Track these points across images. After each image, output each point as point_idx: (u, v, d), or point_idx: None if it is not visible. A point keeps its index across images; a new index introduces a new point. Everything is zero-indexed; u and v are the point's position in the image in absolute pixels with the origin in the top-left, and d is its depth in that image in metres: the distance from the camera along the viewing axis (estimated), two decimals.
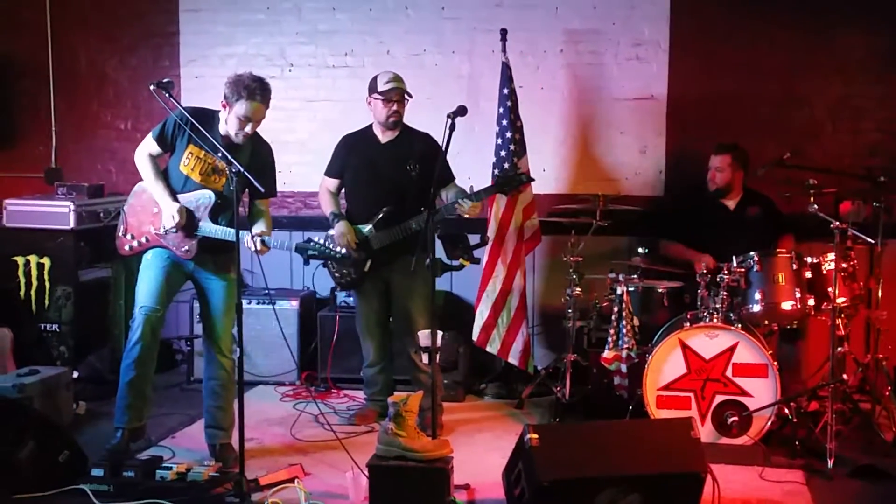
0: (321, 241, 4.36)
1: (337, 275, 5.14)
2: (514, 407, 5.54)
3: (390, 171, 4.99)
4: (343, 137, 5.21)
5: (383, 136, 5.08)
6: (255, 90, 4.31)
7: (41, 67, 6.57)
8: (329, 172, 5.21)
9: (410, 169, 4.97)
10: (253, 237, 4.31)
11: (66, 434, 4.46)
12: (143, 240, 4.51)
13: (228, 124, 4.38)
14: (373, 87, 5.03)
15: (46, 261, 5.86)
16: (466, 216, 4.85)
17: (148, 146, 4.51)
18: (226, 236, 4.35)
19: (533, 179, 5.07)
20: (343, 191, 5.22)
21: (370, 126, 5.14)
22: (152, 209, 4.48)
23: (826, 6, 5.78)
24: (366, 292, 5.17)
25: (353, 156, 5.13)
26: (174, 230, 4.39)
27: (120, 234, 4.59)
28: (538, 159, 5.80)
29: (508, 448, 3.99)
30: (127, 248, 4.56)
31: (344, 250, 4.37)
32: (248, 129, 4.36)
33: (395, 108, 4.97)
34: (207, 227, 4.40)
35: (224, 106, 4.36)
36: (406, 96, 5.01)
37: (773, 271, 4.87)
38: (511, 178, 4.92)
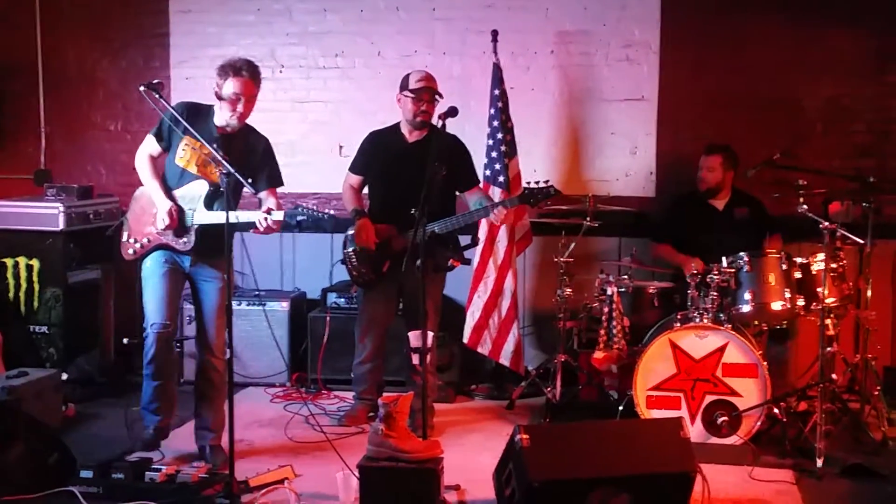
0: (310, 207, 4.31)
1: (355, 273, 5.13)
2: (504, 408, 5.55)
3: (415, 172, 4.81)
4: (370, 134, 5.20)
5: (410, 136, 5.08)
6: (240, 67, 4.35)
7: (30, 68, 6.55)
8: (353, 169, 5.20)
9: (428, 170, 4.93)
10: (264, 217, 4.29)
11: (55, 436, 4.45)
12: (145, 241, 4.52)
13: (222, 111, 4.40)
14: (404, 85, 5.03)
15: (35, 262, 5.83)
16: (500, 223, 4.94)
17: (148, 146, 4.54)
18: (221, 219, 4.32)
19: (560, 193, 4.99)
20: (367, 188, 5.22)
21: (398, 124, 5.13)
22: (151, 210, 4.49)
23: (816, 7, 5.80)
24: (377, 292, 5.15)
25: (378, 153, 5.12)
26: (168, 232, 4.41)
27: (123, 239, 4.60)
28: (529, 160, 5.81)
29: (499, 449, 3.99)
30: (130, 251, 4.57)
31: (332, 212, 4.35)
32: (240, 107, 4.37)
33: (424, 107, 4.97)
34: (202, 216, 4.39)
35: (217, 94, 4.38)
36: (437, 97, 5.01)
37: (763, 272, 4.88)
38: (540, 190, 4.83)
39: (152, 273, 4.51)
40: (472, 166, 5.15)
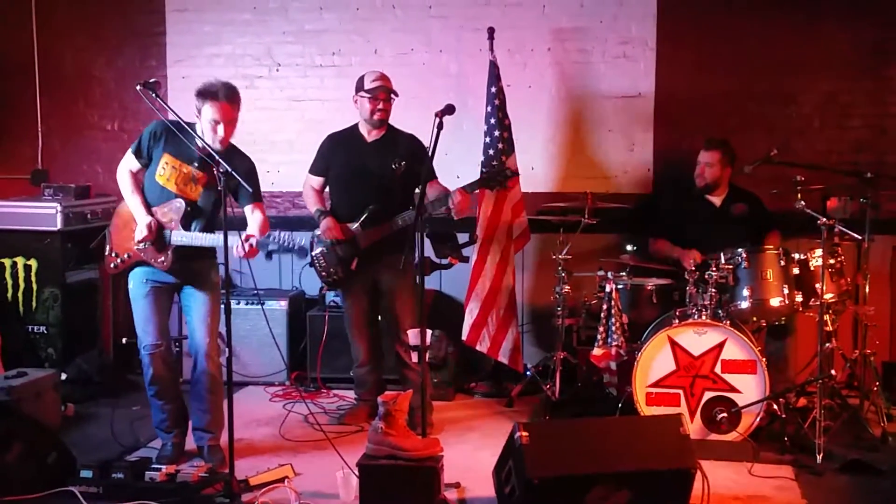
0: (280, 235, 4.32)
1: (323, 273, 5.14)
2: (504, 405, 5.55)
3: (376, 170, 5.02)
4: (328, 136, 5.23)
5: (369, 135, 5.11)
6: (217, 91, 4.33)
7: (27, 67, 6.53)
8: (313, 170, 5.22)
9: (396, 168, 4.99)
10: (242, 243, 4.27)
11: (54, 436, 4.45)
12: (126, 256, 4.52)
13: (204, 134, 4.39)
14: (359, 86, 5.07)
15: (33, 262, 5.83)
16: (455, 215, 4.87)
17: (128, 162, 4.54)
18: (198, 242, 4.38)
19: (517, 174, 5.07)
20: (328, 189, 5.23)
21: (356, 125, 5.16)
22: (132, 225, 4.48)
23: (813, 2, 5.80)
24: (354, 291, 5.17)
25: (338, 154, 5.15)
26: (145, 244, 4.41)
27: (107, 253, 4.60)
28: (526, 157, 5.81)
29: (498, 446, 3.99)
30: (112, 265, 4.58)
31: (304, 241, 4.37)
32: (220, 132, 4.35)
33: (381, 105, 5.01)
34: (179, 236, 4.40)
35: (198, 117, 4.38)
36: (392, 95, 5.03)
37: (761, 268, 4.88)
38: (496, 173, 4.97)
39: (135, 295, 4.54)
40: (430, 160, 5.15)
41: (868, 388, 5.01)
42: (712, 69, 5.89)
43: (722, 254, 4.93)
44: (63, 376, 5.46)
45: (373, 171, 5.02)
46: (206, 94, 4.33)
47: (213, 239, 4.33)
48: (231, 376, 4.14)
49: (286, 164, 6.19)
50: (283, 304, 5.95)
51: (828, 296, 4.75)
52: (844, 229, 4.90)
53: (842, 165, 5.59)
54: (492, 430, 5.01)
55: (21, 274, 5.83)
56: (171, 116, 4.30)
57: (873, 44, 5.77)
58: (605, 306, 5.03)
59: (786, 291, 4.84)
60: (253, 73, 6.27)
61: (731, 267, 4.88)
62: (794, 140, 5.81)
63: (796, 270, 4.90)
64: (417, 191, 5.03)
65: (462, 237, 5.12)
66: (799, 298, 4.86)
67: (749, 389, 4.68)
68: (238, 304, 5.77)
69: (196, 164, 4.38)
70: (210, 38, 6.34)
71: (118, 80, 6.51)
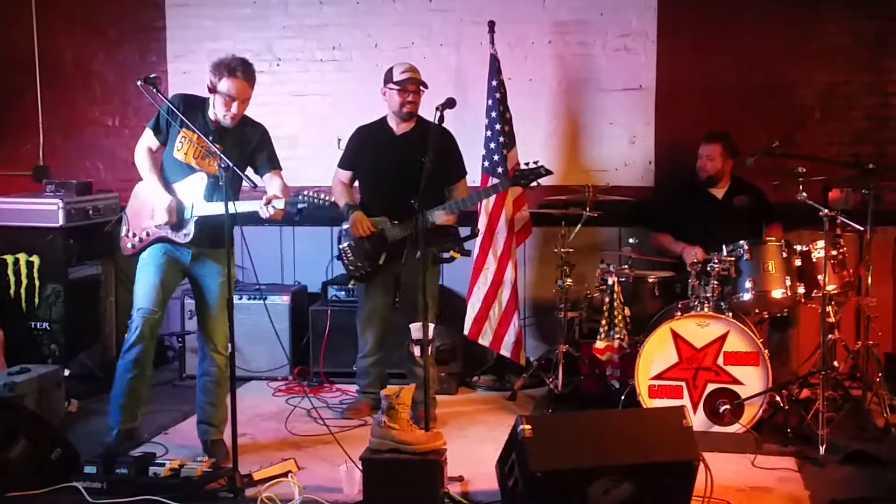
0: (310, 194, 4.26)
1: (351, 267, 5.12)
2: (506, 399, 5.55)
3: (405, 163, 4.90)
4: (357, 129, 5.20)
5: (398, 128, 5.08)
6: (236, 68, 4.31)
7: (27, 64, 6.53)
8: (342, 164, 5.20)
9: (426, 161, 4.96)
10: (266, 205, 4.26)
11: (57, 432, 4.45)
12: (144, 234, 4.51)
13: (216, 108, 4.37)
14: (388, 78, 5.03)
15: (36, 259, 5.83)
16: (443, 222, 4.87)
17: (146, 140, 4.52)
18: (218, 211, 4.29)
19: (551, 172, 5.00)
20: (357, 182, 5.22)
21: (385, 118, 5.13)
22: (149, 204, 4.48)
23: None
24: (376, 285, 5.15)
25: (366, 148, 5.12)
26: (167, 226, 4.40)
27: (122, 234, 4.59)
28: (527, 151, 5.79)
29: (502, 439, 3.99)
30: (129, 245, 4.56)
31: (332, 198, 4.33)
32: (234, 108, 4.34)
33: (410, 98, 4.98)
34: (201, 208, 4.38)
35: (210, 90, 4.36)
36: (421, 87, 5.01)
37: (763, 260, 4.88)
38: (531, 171, 4.87)
39: (148, 263, 4.49)
40: (460, 156, 5.14)
41: (871, 380, 5.02)
42: (713, 61, 5.89)
43: (724, 246, 4.93)
44: (66, 372, 5.46)
45: (401, 165, 4.93)
46: (224, 68, 4.29)
47: (233, 206, 4.17)
48: (234, 371, 4.15)
49: (288, 160, 6.09)
50: (285, 299, 5.95)
51: (830, 287, 4.75)
52: (846, 220, 4.89)
53: (843, 157, 5.60)
54: (495, 424, 5.02)
55: (23, 270, 5.83)
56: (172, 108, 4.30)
57: (874, 35, 5.77)
58: (607, 299, 5.03)
59: (788, 283, 4.84)
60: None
61: (733, 259, 4.88)
62: (795, 132, 5.81)
63: (798, 262, 4.89)
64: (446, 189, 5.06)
65: (464, 231, 5.13)
66: (801, 290, 4.85)
67: (752, 381, 4.68)
68: (240, 299, 5.77)
69: (212, 138, 4.30)
70: (210, 33, 6.33)
71: (119, 76, 6.50)
